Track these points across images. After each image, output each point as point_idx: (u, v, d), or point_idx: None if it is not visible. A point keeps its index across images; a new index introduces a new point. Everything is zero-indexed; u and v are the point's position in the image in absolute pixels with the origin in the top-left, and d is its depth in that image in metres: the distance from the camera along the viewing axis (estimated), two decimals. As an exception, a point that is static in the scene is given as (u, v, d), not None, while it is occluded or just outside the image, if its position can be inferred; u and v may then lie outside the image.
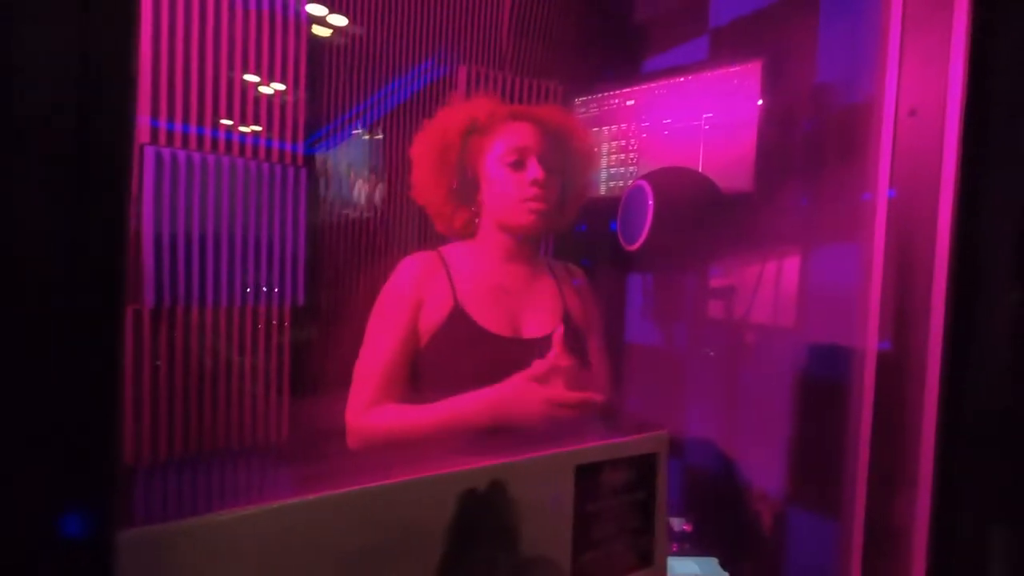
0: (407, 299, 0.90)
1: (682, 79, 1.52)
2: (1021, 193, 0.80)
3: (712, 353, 1.56)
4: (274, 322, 1.50)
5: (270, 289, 1.49)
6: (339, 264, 1.60)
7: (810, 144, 1.34)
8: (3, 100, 0.25)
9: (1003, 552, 0.86)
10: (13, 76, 0.25)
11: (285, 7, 1.47)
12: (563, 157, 0.98)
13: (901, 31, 0.86)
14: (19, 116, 0.25)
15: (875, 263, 0.90)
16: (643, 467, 0.46)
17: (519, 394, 0.79)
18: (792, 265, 1.36)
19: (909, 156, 0.86)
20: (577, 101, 1.74)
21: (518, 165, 0.92)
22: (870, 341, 0.90)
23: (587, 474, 0.43)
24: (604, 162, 1.68)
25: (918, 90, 0.84)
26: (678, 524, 1.34)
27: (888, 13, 0.88)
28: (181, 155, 1.37)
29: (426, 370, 0.90)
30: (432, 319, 0.89)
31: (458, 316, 0.89)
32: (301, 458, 1.48)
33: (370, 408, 0.87)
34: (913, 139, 0.85)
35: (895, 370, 0.88)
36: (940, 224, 0.83)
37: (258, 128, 1.46)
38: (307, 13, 1.51)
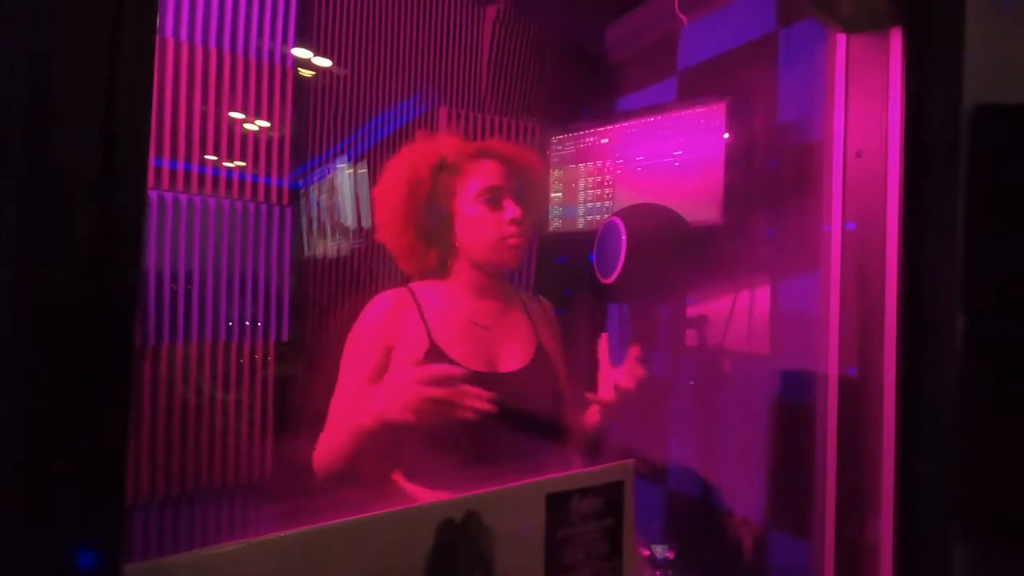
0: (374, 344, 0.90)
1: (653, 118, 1.60)
2: (957, 228, 0.87)
3: (692, 382, 1.60)
4: (257, 357, 1.51)
5: (255, 326, 1.51)
6: (323, 299, 1.62)
7: (772, 179, 1.42)
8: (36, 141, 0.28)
9: (966, 564, 0.90)
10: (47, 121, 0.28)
11: (272, 51, 1.53)
12: (528, 191, 1.01)
13: (846, 81, 0.94)
14: (49, 154, 0.28)
15: (832, 292, 0.95)
16: (611, 494, 0.49)
17: (393, 381, 0.78)
18: (762, 294, 1.42)
19: (858, 193, 0.93)
20: (555, 139, 1.81)
21: (494, 203, 0.93)
22: (831, 366, 0.95)
23: (558, 502, 0.46)
24: (581, 197, 1.75)
25: (862, 134, 0.91)
26: (661, 551, 1.35)
27: (833, 63, 0.96)
28: (168, 197, 1.40)
29: None
30: (406, 360, 0.89)
31: (434, 355, 0.89)
32: (284, 496, 1.47)
33: None
34: (860, 177, 0.92)
35: (856, 394, 0.93)
36: (888, 255, 0.89)
37: (243, 165, 1.50)
38: (293, 56, 1.57)
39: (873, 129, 0.89)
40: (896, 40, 0.87)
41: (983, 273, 0.94)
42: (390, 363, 0.90)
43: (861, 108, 0.92)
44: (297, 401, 1.53)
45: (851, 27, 0.90)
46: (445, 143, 0.98)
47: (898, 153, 0.87)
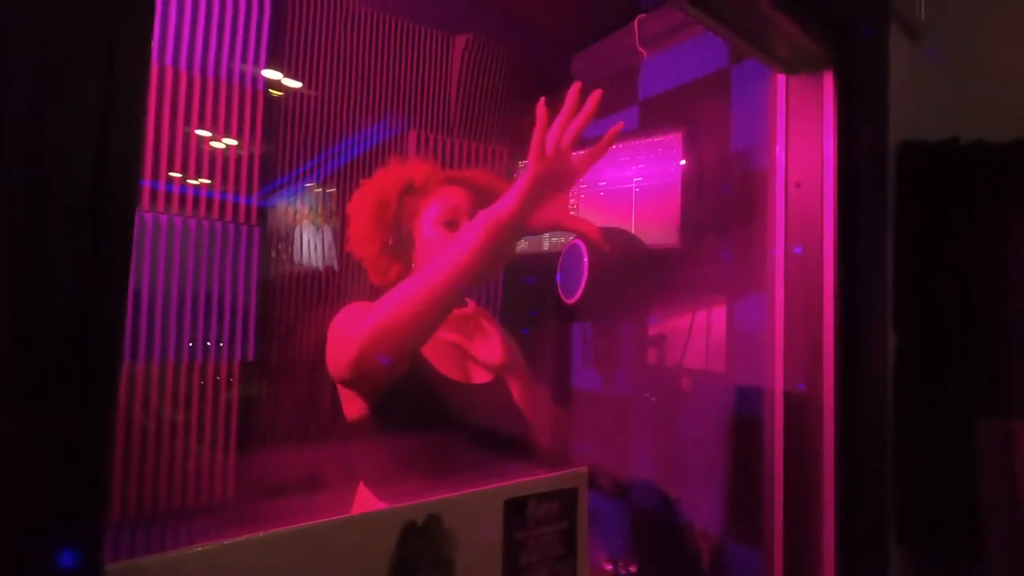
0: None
1: (615, 145, 1.68)
2: (886, 254, 0.95)
3: (654, 399, 1.65)
4: (219, 378, 1.49)
5: (220, 346, 1.50)
6: (290, 318, 1.62)
7: (726, 205, 1.50)
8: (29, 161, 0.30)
9: (901, 565, 0.96)
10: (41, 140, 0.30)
11: (243, 72, 1.55)
12: None
13: (786, 116, 1.02)
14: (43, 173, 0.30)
15: (777, 312, 1.02)
16: (566, 500, 0.52)
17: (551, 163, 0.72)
18: (718, 314, 1.49)
19: (798, 220, 1.00)
20: (521, 164, 1.87)
21: (452, 226, 0.96)
22: (778, 383, 1.01)
23: (515, 507, 0.49)
24: (547, 219, 1.80)
25: (801, 165, 0.99)
26: (624, 566, 1.38)
27: (775, 100, 1.04)
28: (133, 215, 1.39)
29: (383, 416, 0.87)
30: None
31: (419, 361, 0.90)
32: (246, 516, 1.45)
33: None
34: (799, 206, 0.99)
35: (801, 408, 0.99)
36: (826, 279, 0.96)
37: (211, 184, 1.51)
38: (263, 77, 1.59)
39: (810, 162, 0.97)
40: (828, 81, 0.96)
41: (910, 294, 1.02)
42: None
43: (800, 142, 0.99)
44: (262, 420, 1.52)
45: (788, 68, 0.98)
46: (417, 168, 1.01)
47: (832, 185, 0.95)
